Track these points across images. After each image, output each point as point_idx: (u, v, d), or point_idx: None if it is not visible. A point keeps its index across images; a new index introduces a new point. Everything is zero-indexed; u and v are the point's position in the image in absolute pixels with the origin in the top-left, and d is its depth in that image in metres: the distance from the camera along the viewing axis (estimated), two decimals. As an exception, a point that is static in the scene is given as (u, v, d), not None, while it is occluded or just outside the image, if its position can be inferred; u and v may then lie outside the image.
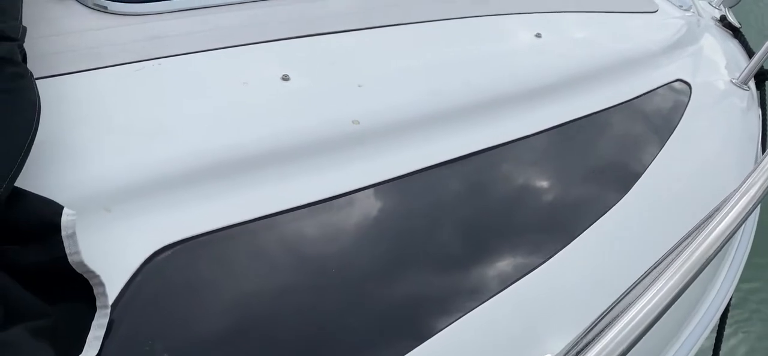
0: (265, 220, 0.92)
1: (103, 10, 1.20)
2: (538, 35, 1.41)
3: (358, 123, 1.04)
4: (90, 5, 1.21)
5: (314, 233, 0.94)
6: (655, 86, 1.41)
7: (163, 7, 1.23)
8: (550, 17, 1.52)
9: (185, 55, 1.13)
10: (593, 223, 1.09)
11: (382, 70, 1.20)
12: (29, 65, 1.00)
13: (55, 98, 0.99)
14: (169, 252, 0.87)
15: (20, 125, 0.80)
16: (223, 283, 0.87)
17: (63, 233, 0.75)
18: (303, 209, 0.95)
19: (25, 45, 1.04)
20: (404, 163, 1.05)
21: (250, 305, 0.87)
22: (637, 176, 1.20)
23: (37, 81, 1.00)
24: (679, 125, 1.34)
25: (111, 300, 0.79)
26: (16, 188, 0.77)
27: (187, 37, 1.18)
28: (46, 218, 0.75)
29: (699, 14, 1.84)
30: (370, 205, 1.00)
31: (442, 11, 1.41)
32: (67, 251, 0.75)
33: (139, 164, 0.91)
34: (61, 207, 0.76)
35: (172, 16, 1.23)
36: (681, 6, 1.83)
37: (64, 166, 0.88)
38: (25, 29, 0.96)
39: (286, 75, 1.12)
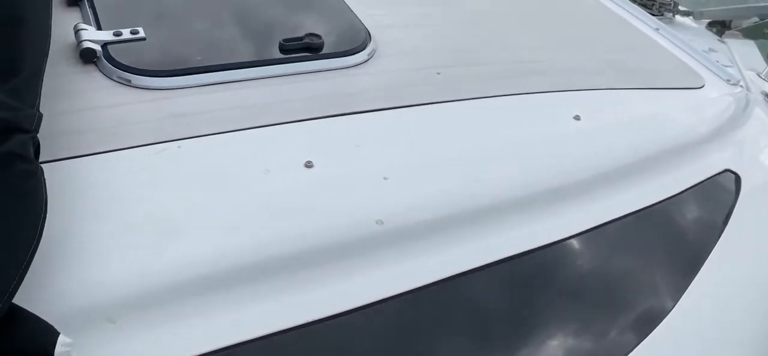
0: (280, 336, 0.86)
1: (127, 83, 1.18)
2: (577, 117, 1.34)
3: (382, 223, 0.98)
4: (114, 78, 1.18)
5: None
6: (702, 179, 1.32)
7: (186, 82, 1.20)
8: (589, 96, 1.44)
9: (207, 137, 1.09)
10: (643, 340, 1.01)
11: (409, 158, 1.14)
12: (47, 142, 0.98)
13: (67, 183, 0.95)
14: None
15: (25, 234, 0.76)
16: None
17: None
18: (323, 323, 0.89)
19: (44, 120, 1.02)
20: (428, 269, 0.98)
21: None
22: (684, 285, 1.11)
23: (51, 163, 0.98)
24: (728, 224, 1.25)
25: None
26: (13, 305, 0.72)
27: (210, 115, 1.14)
28: (40, 347, 0.70)
29: (747, 88, 1.75)
30: (390, 319, 0.94)
31: (471, 89, 1.36)
32: None
33: (148, 269, 0.86)
34: (57, 335, 0.71)
35: (195, 92, 1.19)
36: (728, 79, 1.74)
37: (67, 267, 0.84)
38: (40, 117, 0.93)
39: (309, 162, 1.07)
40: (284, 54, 1.31)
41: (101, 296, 0.83)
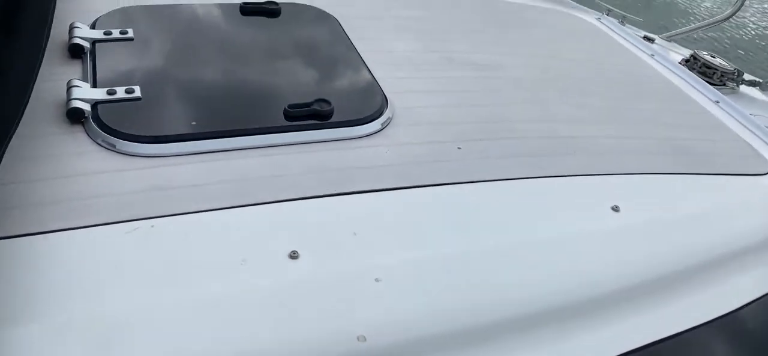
0: None
1: (111, 148, 1.09)
2: (616, 208, 1.17)
3: (365, 340, 0.84)
4: (98, 141, 1.09)
5: None
6: (762, 294, 1.12)
7: (175, 149, 1.10)
8: (631, 181, 1.27)
9: (185, 216, 0.98)
10: None
11: (410, 254, 0.99)
12: (15, 212, 0.90)
13: (28, 263, 0.86)
14: None
15: None
16: None
17: None
18: None
19: (18, 187, 0.94)
20: None
21: None
22: None
23: (10, 240, 0.89)
24: None
25: None
26: None
27: (195, 190, 1.03)
28: None
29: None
30: None
31: (494, 169, 1.21)
32: None
33: None
34: None
35: (184, 161, 1.09)
36: (797, 165, 1.53)
37: None
38: None
39: (294, 252, 0.94)
40: (289, 121, 1.20)
41: None
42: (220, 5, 1.57)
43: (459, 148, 1.25)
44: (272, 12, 1.58)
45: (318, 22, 1.60)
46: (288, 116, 1.20)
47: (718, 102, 1.73)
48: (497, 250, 1.03)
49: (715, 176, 1.37)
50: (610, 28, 2.04)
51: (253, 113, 1.21)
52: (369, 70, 1.42)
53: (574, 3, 2.21)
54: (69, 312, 0.81)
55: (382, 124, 1.26)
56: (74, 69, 1.27)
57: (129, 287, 0.85)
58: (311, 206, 1.05)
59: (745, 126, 1.62)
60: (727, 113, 1.67)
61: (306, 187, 1.08)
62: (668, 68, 1.86)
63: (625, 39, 1.99)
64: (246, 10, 1.56)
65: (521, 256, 1.03)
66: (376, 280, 0.91)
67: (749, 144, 1.54)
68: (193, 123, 1.14)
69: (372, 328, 0.85)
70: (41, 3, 1.32)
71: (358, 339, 0.83)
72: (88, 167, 1.05)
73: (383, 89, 1.35)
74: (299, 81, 1.34)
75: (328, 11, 1.64)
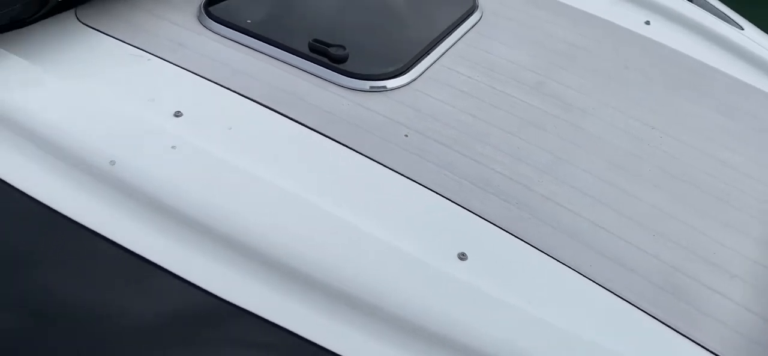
0: None
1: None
2: None
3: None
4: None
5: None
6: None
7: (226, 33, 1.48)
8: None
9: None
10: None
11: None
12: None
13: None
14: None
15: None
16: None
17: None
18: None
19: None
20: None
21: None
22: None
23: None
24: None
25: None
26: None
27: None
28: None
29: None
30: None
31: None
32: None
33: None
34: None
35: (229, 45, 1.46)
36: None
37: None
38: None
39: None
40: (313, 52, 1.43)
41: None
42: None
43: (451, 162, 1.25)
44: None
45: (456, 2, 1.69)
46: (312, 48, 1.45)
47: None
48: None
49: None
50: None
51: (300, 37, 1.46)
52: (433, 49, 1.50)
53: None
54: None
55: (374, 87, 1.39)
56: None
57: None
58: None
59: None
60: None
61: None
62: None
63: None
64: None
65: None
66: None
67: None
68: (248, 21, 1.51)
69: None
70: None
71: None
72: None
73: (427, 73, 1.45)
74: (361, 23, 1.55)
75: (479, 1, 1.72)
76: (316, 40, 1.44)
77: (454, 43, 1.56)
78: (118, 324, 1.00)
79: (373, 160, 1.22)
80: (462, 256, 1.07)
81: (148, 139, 1.19)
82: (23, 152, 1.16)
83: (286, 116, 1.29)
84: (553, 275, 1.07)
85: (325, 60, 1.42)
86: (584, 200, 1.21)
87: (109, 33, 1.44)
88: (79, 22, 1.46)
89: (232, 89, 1.33)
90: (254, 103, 1.31)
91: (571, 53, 1.63)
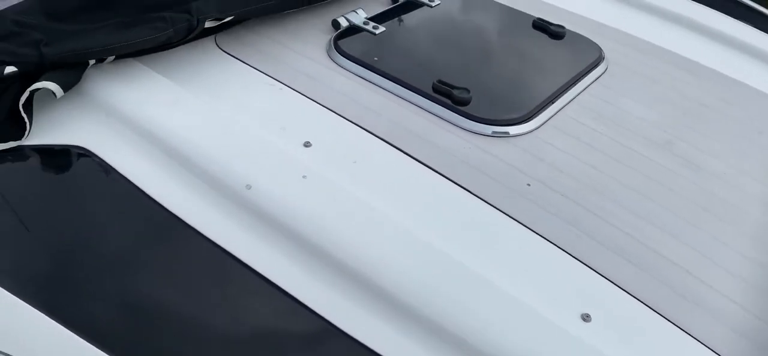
0: None
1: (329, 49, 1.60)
2: None
3: None
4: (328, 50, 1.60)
5: None
6: None
7: (357, 70, 1.52)
8: None
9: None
10: None
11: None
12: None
13: None
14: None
15: None
16: None
17: None
18: None
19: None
20: None
21: None
22: None
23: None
24: None
25: None
26: None
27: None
28: None
29: None
30: None
31: None
32: None
33: None
34: None
35: (358, 81, 1.50)
36: None
37: None
38: None
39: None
40: (436, 93, 1.44)
41: None
42: (520, 13, 1.83)
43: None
44: (556, 34, 1.74)
45: (581, 51, 1.68)
46: (436, 88, 1.46)
47: None
48: None
49: None
50: None
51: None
52: (557, 98, 1.49)
53: None
54: None
55: (497, 132, 1.38)
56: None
57: None
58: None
59: None
60: None
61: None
62: None
63: None
64: (536, 26, 1.77)
65: None
66: None
67: None
68: (375, 58, 1.55)
69: None
70: None
71: None
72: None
73: (550, 122, 1.43)
74: (486, 67, 1.56)
75: (605, 52, 1.69)
76: (440, 81, 1.46)
77: (579, 94, 1.54)
78: (245, 347, 1.03)
79: (495, 207, 1.21)
80: (586, 317, 1.04)
81: (281, 167, 1.23)
82: (165, 167, 1.24)
83: (409, 155, 1.31)
84: (685, 351, 1.02)
85: (449, 101, 1.43)
86: (718, 274, 1.15)
87: (244, 60, 1.52)
88: (218, 48, 1.55)
89: (357, 123, 1.37)
90: (378, 138, 1.34)
91: (701, 113, 1.57)
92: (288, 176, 1.21)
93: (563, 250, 1.15)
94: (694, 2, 2.05)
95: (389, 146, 1.32)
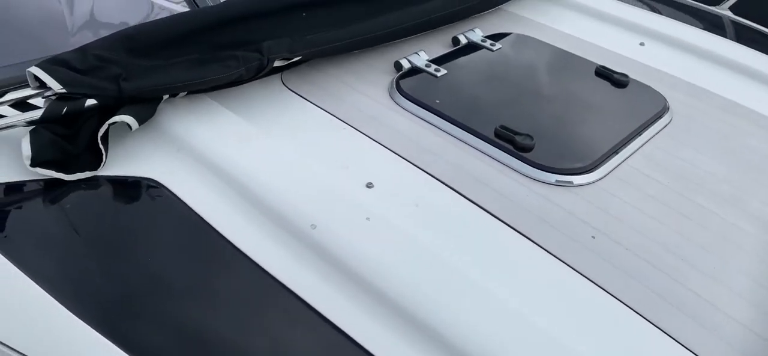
0: None
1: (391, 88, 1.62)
2: None
3: None
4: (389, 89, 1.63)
5: None
6: None
7: (419, 112, 1.54)
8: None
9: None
10: None
11: None
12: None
13: None
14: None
15: None
16: None
17: None
18: None
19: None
20: None
21: None
22: None
23: None
24: None
25: None
26: None
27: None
28: None
29: None
30: None
31: None
32: None
33: None
34: None
35: (420, 123, 1.51)
36: None
37: None
38: None
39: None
40: (498, 139, 1.44)
41: None
42: (582, 59, 1.82)
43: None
44: (619, 82, 1.73)
45: (645, 101, 1.66)
46: (498, 133, 1.46)
47: None
48: None
49: None
50: None
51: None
52: (622, 148, 1.47)
53: None
54: None
55: (560, 181, 1.37)
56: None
57: None
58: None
59: None
60: None
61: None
62: None
63: None
64: (599, 73, 1.76)
65: None
66: None
67: None
68: (437, 101, 1.56)
69: None
70: None
71: None
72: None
73: (615, 172, 1.41)
74: (547, 114, 1.56)
75: (669, 102, 1.66)
76: (502, 126, 1.46)
77: (643, 144, 1.52)
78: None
79: (558, 258, 1.20)
80: None
81: (345, 207, 1.25)
82: (231, 201, 1.27)
83: (470, 200, 1.31)
84: None
85: (511, 147, 1.43)
86: None
87: (309, 99, 1.55)
88: (284, 86, 1.59)
89: (419, 165, 1.38)
90: (439, 182, 1.35)
91: None
92: (352, 218, 1.22)
93: (629, 307, 1.12)
94: (759, 52, 2.01)
95: (450, 189, 1.33)
